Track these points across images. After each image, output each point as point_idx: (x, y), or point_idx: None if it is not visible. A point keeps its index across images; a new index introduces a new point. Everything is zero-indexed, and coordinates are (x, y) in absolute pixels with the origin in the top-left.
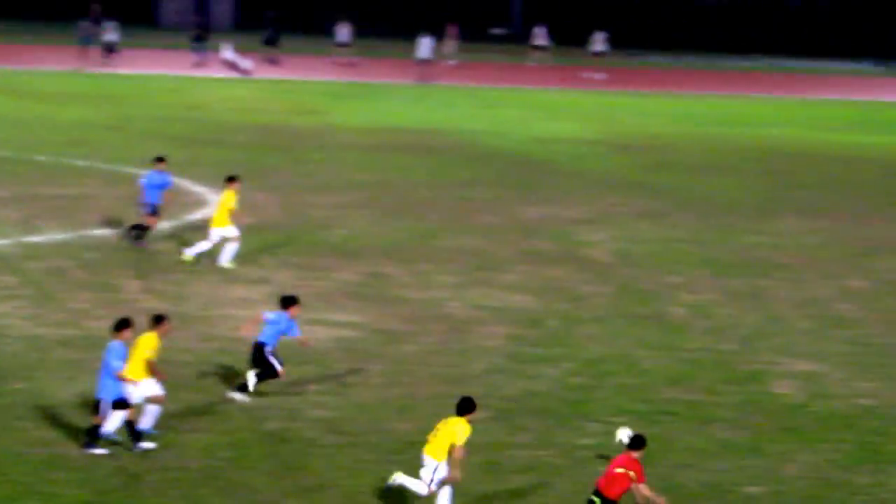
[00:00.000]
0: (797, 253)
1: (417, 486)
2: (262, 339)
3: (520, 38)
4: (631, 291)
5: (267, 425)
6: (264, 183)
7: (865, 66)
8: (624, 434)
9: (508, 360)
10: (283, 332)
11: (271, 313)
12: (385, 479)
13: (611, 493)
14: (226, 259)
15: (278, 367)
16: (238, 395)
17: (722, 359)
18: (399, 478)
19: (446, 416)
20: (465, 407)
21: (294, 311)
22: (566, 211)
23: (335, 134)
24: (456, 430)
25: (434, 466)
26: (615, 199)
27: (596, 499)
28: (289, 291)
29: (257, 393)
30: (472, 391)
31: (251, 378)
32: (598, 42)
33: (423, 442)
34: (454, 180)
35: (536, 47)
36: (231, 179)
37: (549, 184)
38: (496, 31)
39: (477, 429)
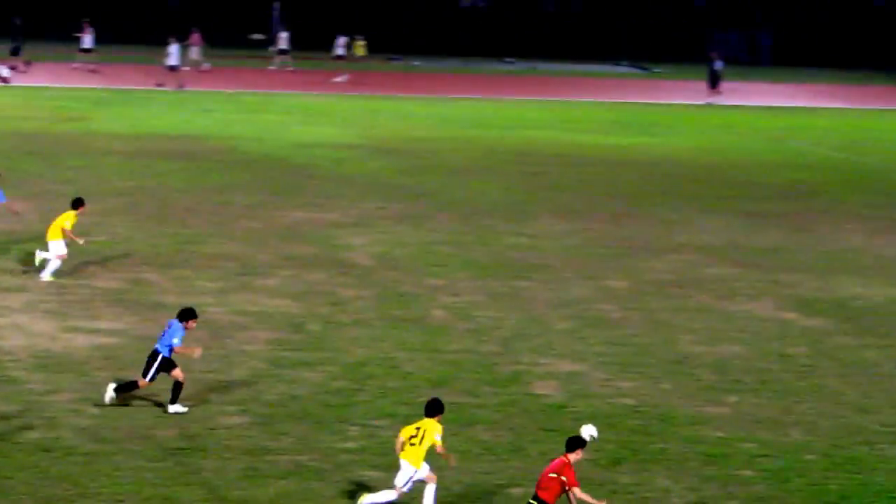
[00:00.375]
0: (557, 254)
1: (385, 495)
2: (159, 347)
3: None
4: (392, 294)
5: (27, 435)
6: (23, 190)
7: (622, 69)
8: (587, 432)
9: (270, 365)
10: (175, 340)
11: (169, 329)
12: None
13: (547, 496)
14: (47, 273)
15: (146, 378)
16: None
17: (483, 360)
18: (366, 499)
19: (207, 421)
20: (434, 408)
21: (190, 324)
22: (327, 215)
23: (96, 140)
24: (431, 433)
25: (412, 472)
26: (376, 203)
27: (533, 502)
28: (49, 300)
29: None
30: (234, 397)
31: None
32: (340, 46)
33: (187, 448)
34: (214, 186)
35: (280, 51)
36: (77, 203)
37: (310, 188)
38: (255, 36)
39: (239, 434)
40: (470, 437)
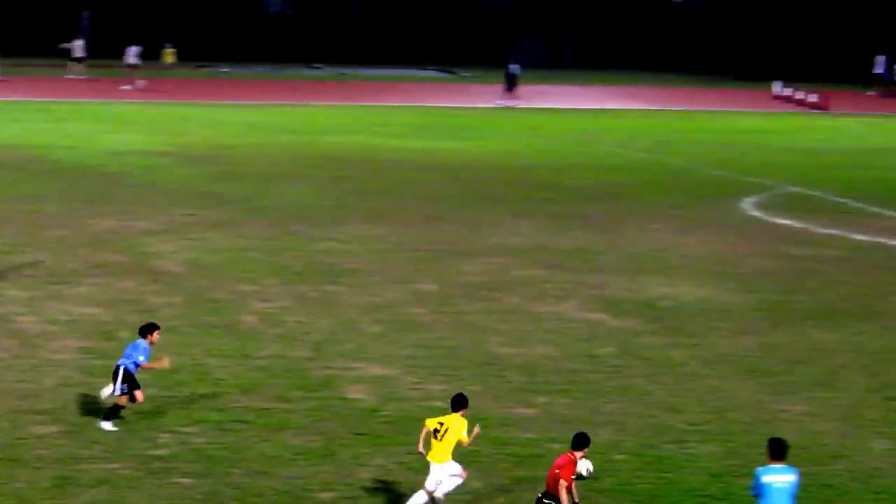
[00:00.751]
0: (367, 258)
1: (419, 498)
2: (121, 362)
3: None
4: (202, 301)
5: None
6: None
7: (429, 73)
8: (583, 467)
9: (80, 374)
10: (140, 363)
11: (130, 346)
12: None
13: (555, 490)
14: None
15: (120, 391)
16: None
17: (294, 366)
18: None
19: (18, 431)
20: (458, 402)
21: (152, 337)
22: (137, 222)
23: None
24: (455, 429)
25: (439, 469)
26: (186, 210)
27: (547, 501)
28: None
29: None
30: (45, 406)
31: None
32: (131, 55)
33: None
34: (25, 195)
35: (75, 59)
36: None
37: (120, 196)
38: (65, 45)
39: (50, 444)
40: (280, 442)
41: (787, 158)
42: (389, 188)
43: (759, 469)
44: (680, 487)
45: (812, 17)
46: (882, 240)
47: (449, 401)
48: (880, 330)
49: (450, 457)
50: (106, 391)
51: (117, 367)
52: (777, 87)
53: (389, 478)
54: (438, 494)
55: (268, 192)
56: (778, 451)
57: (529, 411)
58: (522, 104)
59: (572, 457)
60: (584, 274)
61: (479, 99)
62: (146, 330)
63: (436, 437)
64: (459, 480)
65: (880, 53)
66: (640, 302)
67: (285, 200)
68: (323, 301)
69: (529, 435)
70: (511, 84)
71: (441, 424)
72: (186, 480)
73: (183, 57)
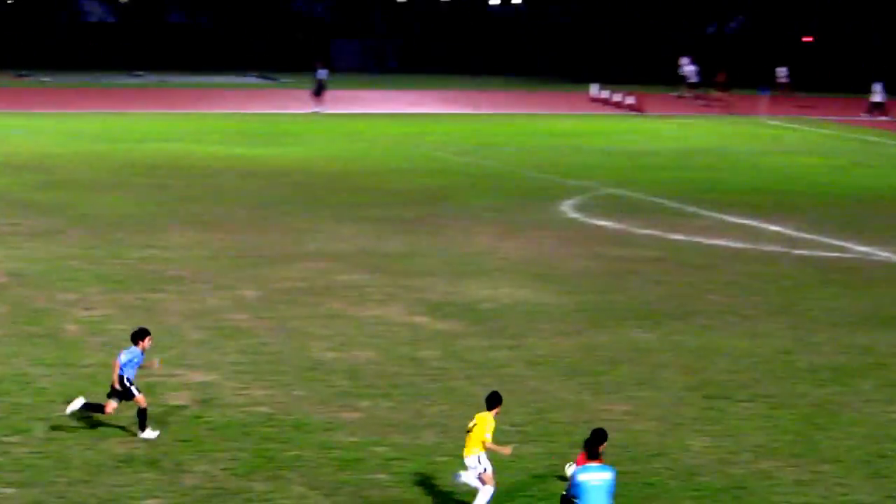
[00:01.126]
0: (189, 265)
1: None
2: (122, 373)
3: None
4: (24, 310)
5: None
6: None
7: (250, 80)
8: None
9: None
10: (138, 364)
11: (124, 356)
12: None
13: None
14: None
15: (138, 395)
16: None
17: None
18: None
19: None
20: (492, 401)
21: (143, 343)
22: None
23: None
24: (482, 426)
25: (475, 463)
26: (7, 220)
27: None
28: None
29: None
30: None
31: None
32: None
33: None
34: None
35: None
36: None
37: None
38: None
39: None
40: (104, 450)
41: (605, 160)
42: (211, 195)
43: (575, 468)
44: (503, 489)
45: (623, 20)
46: (698, 239)
47: (273, 405)
48: (698, 329)
49: (473, 451)
50: (147, 434)
51: (120, 376)
52: (594, 90)
53: (214, 484)
54: (462, 480)
55: (90, 200)
56: (593, 449)
57: (353, 415)
58: (329, 109)
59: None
60: (407, 278)
61: (300, 105)
62: (138, 336)
63: (469, 432)
64: (475, 481)
65: (685, 55)
66: (462, 305)
67: (107, 209)
68: (145, 308)
69: (353, 439)
70: (319, 90)
71: (475, 422)
72: (10, 490)
73: (2, 66)
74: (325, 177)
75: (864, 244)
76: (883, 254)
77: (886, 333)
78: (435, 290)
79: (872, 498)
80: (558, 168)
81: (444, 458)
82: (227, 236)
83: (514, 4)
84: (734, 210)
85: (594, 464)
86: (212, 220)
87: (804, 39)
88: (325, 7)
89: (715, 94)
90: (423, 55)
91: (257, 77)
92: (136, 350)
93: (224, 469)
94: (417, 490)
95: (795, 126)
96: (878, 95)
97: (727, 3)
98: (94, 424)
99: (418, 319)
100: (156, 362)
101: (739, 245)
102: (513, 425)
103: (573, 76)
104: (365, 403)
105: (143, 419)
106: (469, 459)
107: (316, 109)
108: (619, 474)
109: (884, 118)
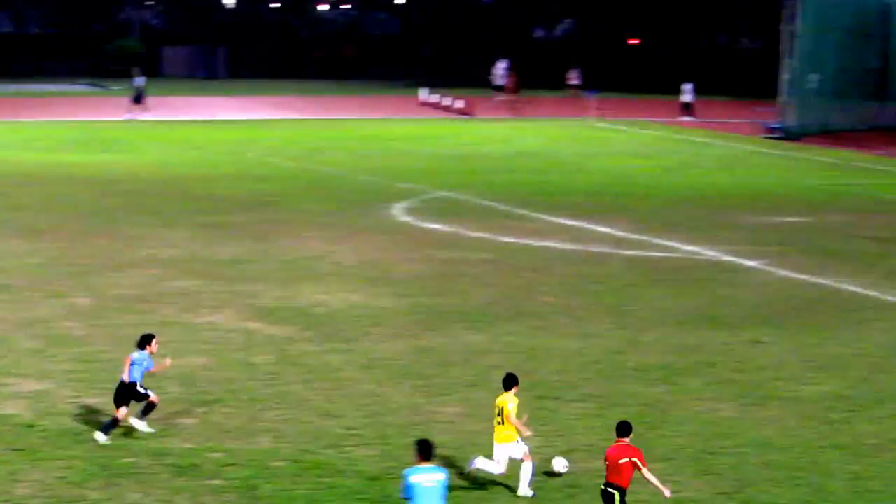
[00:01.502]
0: (20, 274)
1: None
2: (131, 378)
3: None
4: None
5: None
6: None
7: (81, 88)
8: (560, 465)
9: None
10: (147, 369)
11: (136, 354)
12: None
13: (621, 481)
14: None
15: (152, 395)
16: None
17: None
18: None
19: None
20: (509, 381)
21: (151, 347)
22: None
23: None
24: (507, 405)
25: (502, 449)
26: None
27: (615, 492)
28: None
29: None
30: None
31: (138, 422)
32: None
33: None
34: None
35: None
36: None
37: None
38: None
39: None
40: None
41: (435, 164)
42: (42, 203)
43: (407, 469)
44: (338, 492)
45: (454, 24)
46: (528, 241)
47: (107, 413)
48: (529, 330)
49: (505, 439)
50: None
51: (129, 386)
52: (423, 94)
53: (47, 493)
54: (477, 466)
55: None
56: (425, 451)
57: (188, 421)
58: (148, 116)
59: (628, 443)
60: (239, 283)
61: (119, 113)
62: (145, 341)
63: (497, 422)
64: (494, 467)
65: (501, 59)
66: (295, 309)
67: None
68: None
69: (188, 445)
70: (138, 97)
71: (499, 407)
72: None
73: None
74: (156, 183)
75: (691, 244)
76: (710, 253)
77: (714, 332)
78: (268, 296)
79: (703, 495)
80: (389, 172)
81: (280, 463)
82: (59, 244)
83: (344, 9)
84: (563, 212)
85: (426, 465)
86: (43, 228)
87: (630, 42)
88: (155, 14)
89: (504, 97)
90: (253, 61)
91: (88, 85)
92: (145, 354)
93: (58, 477)
94: (252, 495)
95: (624, 128)
96: (687, 95)
97: (556, 7)
98: None
99: (251, 325)
100: (167, 361)
101: (569, 246)
102: (348, 428)
103: (404, 80)
104: (200, 410)
105: (148, 409)
106: (503, 448)
107: (131, 116)
108: (451, 475)
109: (688, 118)
